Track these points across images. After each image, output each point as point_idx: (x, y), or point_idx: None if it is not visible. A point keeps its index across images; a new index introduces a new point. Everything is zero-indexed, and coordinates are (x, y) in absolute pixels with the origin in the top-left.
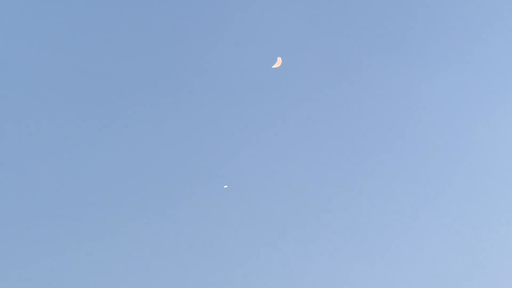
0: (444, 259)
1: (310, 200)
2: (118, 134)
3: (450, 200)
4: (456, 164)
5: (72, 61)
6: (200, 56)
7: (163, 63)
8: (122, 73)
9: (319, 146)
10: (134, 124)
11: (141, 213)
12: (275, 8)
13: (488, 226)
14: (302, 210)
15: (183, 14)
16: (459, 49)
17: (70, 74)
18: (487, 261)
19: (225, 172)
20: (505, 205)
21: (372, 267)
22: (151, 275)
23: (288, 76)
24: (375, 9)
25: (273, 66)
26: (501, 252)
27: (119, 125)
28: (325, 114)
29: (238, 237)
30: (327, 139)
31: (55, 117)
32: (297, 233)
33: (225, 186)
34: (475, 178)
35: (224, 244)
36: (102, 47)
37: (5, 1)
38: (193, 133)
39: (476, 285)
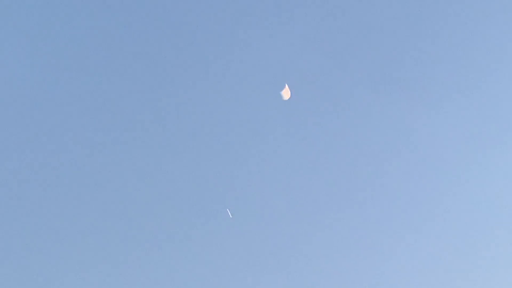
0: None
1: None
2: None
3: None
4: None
5: (64, 61)
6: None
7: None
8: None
9: (316, 177)
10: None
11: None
12: (269, 37)
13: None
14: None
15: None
16: (459, 82)
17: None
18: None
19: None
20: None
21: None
22: None
23: (287, 108)
24: (373, 40)
25: (284, 98)
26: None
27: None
28: (322, 146)
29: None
30: (325, 169)
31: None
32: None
33: (230, 215)
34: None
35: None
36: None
37: (5, 1)
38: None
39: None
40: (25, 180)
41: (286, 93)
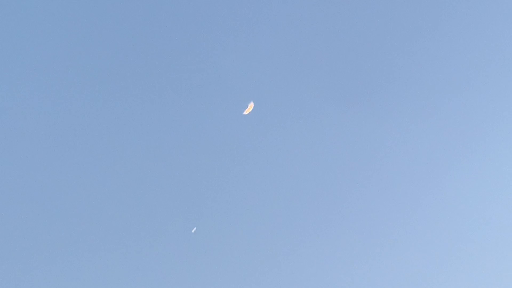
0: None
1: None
2: None
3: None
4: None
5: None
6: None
7: None
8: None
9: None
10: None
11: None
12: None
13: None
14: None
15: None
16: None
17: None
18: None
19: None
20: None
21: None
22: None
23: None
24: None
25: (244, 113)
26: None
27: None
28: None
29: None
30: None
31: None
32: None
33: (193, 230)
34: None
35: None
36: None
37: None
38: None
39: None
40: (24, 179)
41: (249, 108)
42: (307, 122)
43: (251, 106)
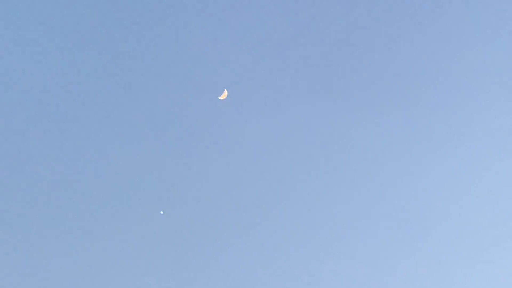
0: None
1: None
2: None
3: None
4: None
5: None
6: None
7: None
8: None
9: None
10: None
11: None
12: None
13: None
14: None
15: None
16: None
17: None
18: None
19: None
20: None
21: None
22: None
23: (224, 110)
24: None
25: (219, 98)
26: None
27: None
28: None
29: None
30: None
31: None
32: None
33: (161, 212)
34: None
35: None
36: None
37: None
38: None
39: None
40: (26, 179)
41: (223, 95)
42: (286, 117)
43: (225, 93)
